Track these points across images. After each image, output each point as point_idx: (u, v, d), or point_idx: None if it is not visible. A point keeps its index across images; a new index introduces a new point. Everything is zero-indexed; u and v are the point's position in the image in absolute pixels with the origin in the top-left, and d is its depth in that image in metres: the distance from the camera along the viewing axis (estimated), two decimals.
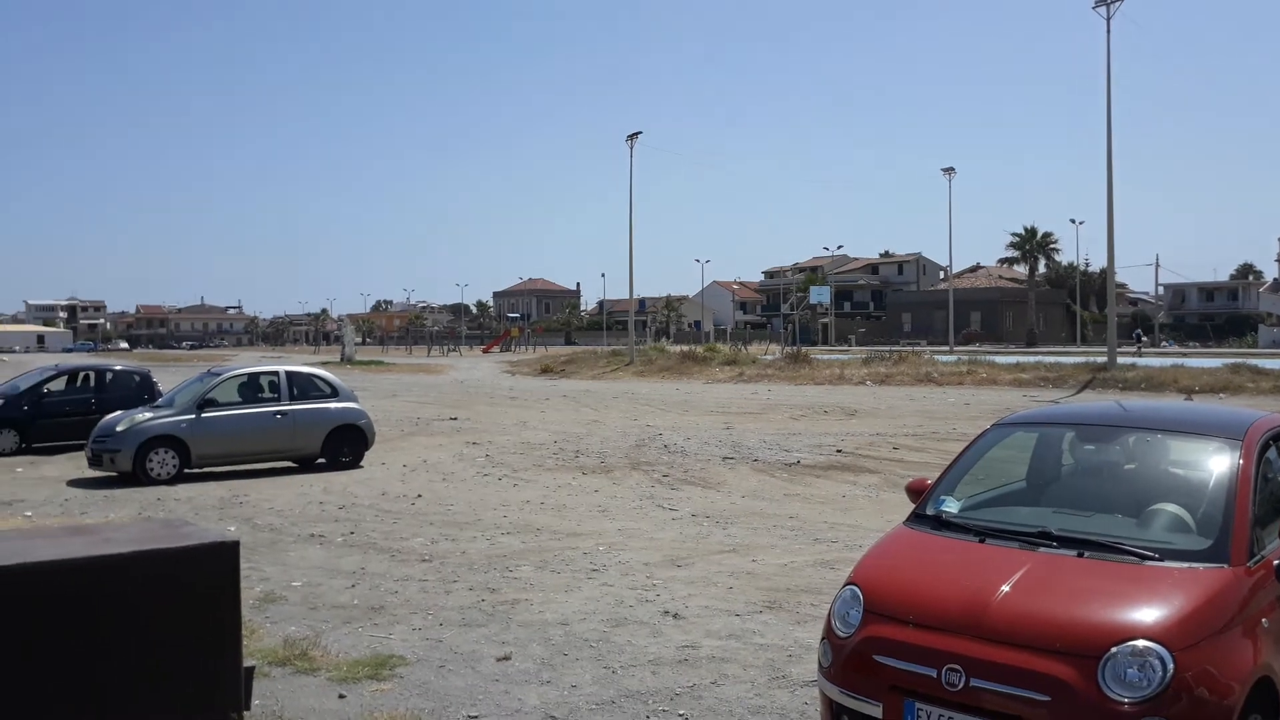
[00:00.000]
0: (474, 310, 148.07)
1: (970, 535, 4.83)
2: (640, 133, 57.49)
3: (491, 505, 12.60)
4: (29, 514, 12.18)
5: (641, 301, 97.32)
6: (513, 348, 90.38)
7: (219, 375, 16.12)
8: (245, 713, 5.14)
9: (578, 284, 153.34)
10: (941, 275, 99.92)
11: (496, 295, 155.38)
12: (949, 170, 67.85)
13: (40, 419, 18.94)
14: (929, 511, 5.20)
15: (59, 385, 19.88)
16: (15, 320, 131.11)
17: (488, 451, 18.36)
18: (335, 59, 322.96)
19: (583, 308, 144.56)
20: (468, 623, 7.39)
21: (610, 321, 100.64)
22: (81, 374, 20.53)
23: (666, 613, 7.56)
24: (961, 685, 3.98)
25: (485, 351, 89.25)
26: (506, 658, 6.57)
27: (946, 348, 62.48)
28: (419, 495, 13.43)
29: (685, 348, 56.51)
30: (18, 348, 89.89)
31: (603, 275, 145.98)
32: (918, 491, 5.49)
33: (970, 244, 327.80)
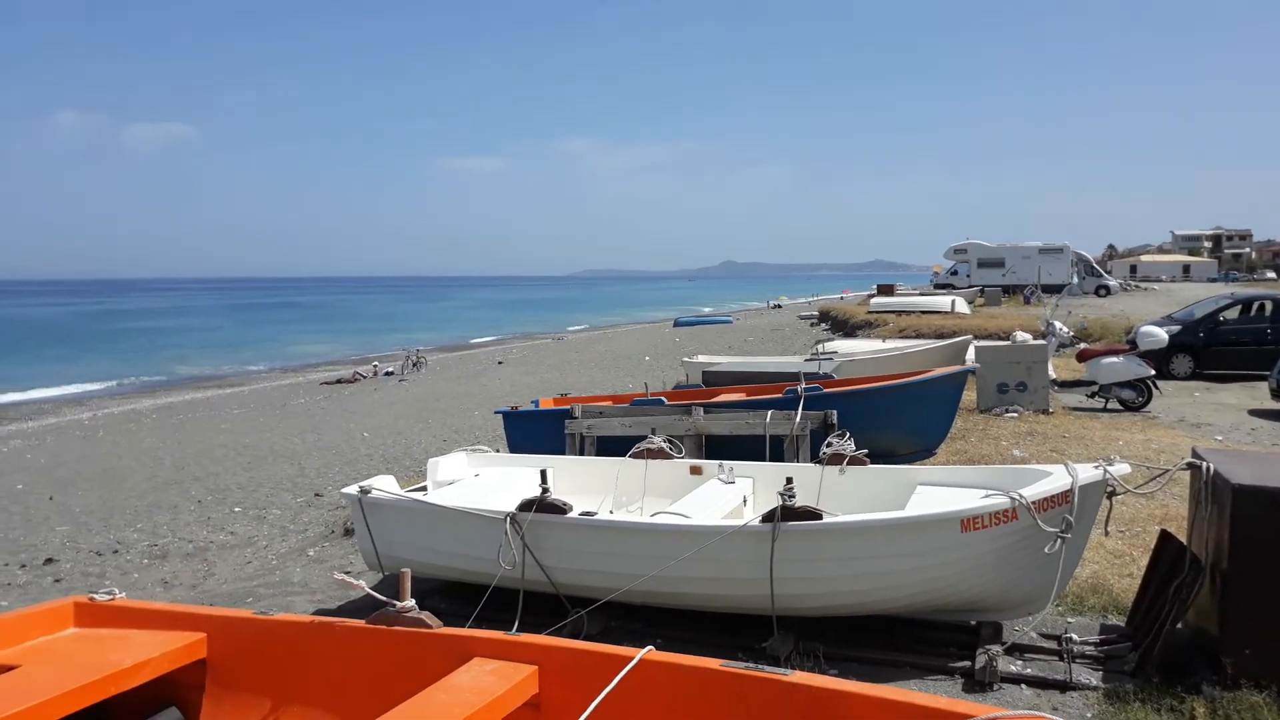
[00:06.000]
0: None
1: None
2: None
3: None
4: (1219, 438, 12.47)
5: None
6: None
7: None
8: None
9: None
10: None
11: None
12: None
13: (1213, 346, 19.30)
14: None
15: (1233, 314, 19.91)
16: (1160, 250, 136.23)
17: None
18: None
19: None
20: None
21: None
22: (1256, 303, 20.17)
23: None
24: None
25: None
26: None
27: None
28: None
29: None
30: (1164, 277, 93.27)
31: None
32: None
33: None
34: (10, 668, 3.58)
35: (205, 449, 16.44)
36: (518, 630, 4.22)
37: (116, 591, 4.13)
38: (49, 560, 9.30)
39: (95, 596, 4.08)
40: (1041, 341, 15.61)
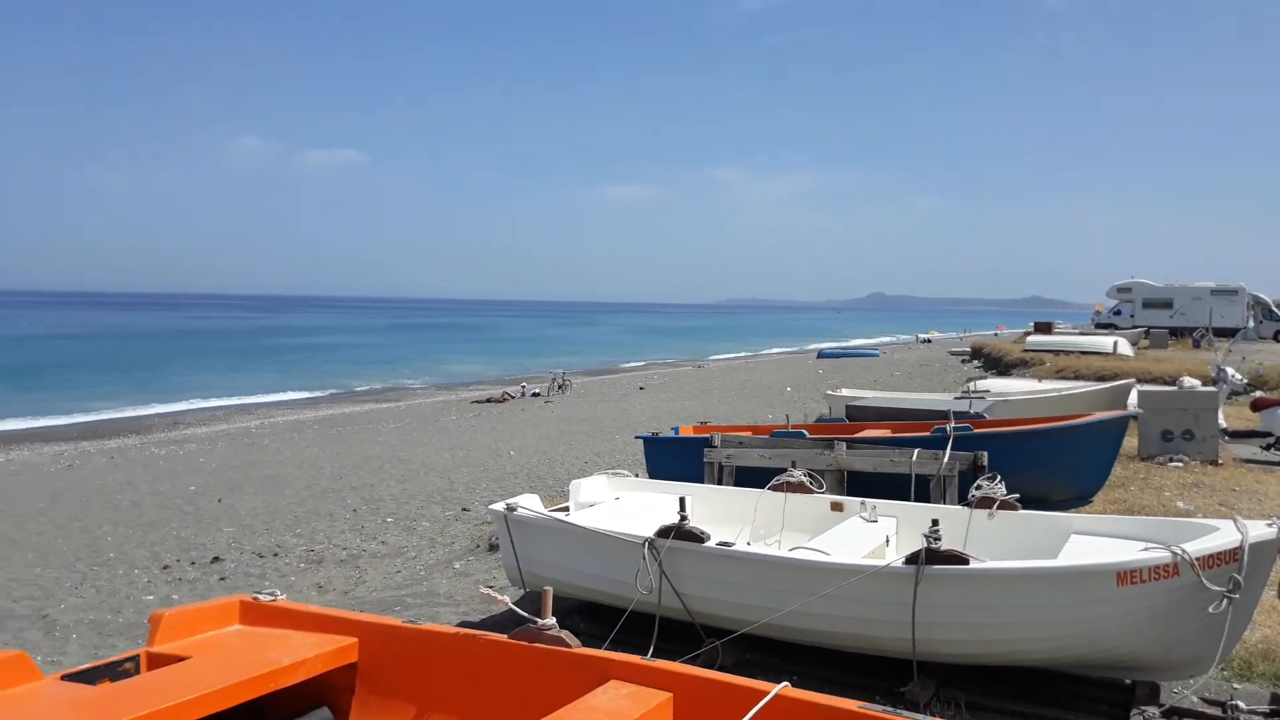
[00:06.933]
0: None
1: None
2: None
3: None
4: None
5: None
6: None
7: None
8: None
9: None
10: None
11: None
12: None
13: None
14: None
15: None
16: None
17: None
18: None
19: None
20: None
21: None
22: None
23: None
24: None
25: None
26: None
27: None
28: None
29: None
30: None
31: None
32: None
33: None
34: (183, 658, 3.84)
35: (362, 460, 17.20)
36: (653, 655, 4.26)
37: (278, 593, 4.38)
38: (216, 559, 9.92)
39: (259, 596, 4.34)
40: (1212, 388, 14.70)
